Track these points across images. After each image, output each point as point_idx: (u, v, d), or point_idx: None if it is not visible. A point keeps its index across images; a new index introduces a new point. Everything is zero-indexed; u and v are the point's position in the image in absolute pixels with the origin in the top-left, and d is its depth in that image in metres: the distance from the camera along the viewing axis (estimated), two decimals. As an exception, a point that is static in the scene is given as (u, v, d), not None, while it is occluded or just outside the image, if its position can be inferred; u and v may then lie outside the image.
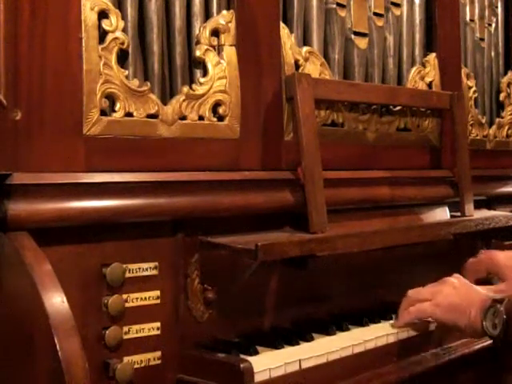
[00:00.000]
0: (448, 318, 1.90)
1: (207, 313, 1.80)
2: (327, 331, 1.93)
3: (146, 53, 1.77)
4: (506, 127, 3.00)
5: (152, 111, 1.72)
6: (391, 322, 2.02)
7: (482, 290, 1.93)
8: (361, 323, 2.02)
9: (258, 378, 1.61)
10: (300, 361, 1.70)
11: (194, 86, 1.82)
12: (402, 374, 1.91)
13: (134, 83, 1.69)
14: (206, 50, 1.84)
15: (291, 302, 2.01)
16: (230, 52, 1.88)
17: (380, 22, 2.40)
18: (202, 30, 1.84)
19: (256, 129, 1.94)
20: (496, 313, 1.79)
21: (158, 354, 1.69)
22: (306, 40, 2.16)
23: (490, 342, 2.05)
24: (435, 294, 1.94)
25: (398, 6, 2.47)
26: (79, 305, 1.53)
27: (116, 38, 1.65)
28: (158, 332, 1.69)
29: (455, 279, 1.97)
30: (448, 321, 1.91)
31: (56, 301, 1.36)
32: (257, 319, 1.93)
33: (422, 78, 2.52)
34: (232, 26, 1.89)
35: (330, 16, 2.23)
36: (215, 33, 1.86)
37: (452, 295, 1.91)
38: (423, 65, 2.55)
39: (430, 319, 1.97)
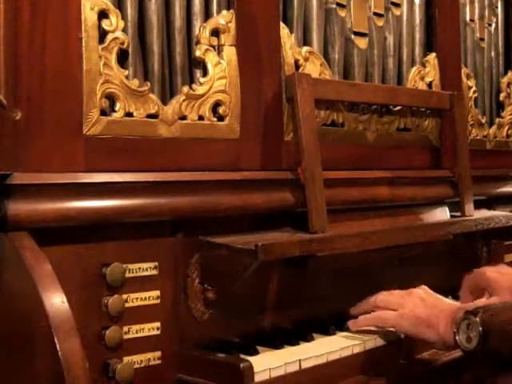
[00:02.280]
0: (415, 331, 1.83)
1: (207, 313, 1.80)
2: (327, 331, 1.93)
3: (145, 53, 1.77)
4: (506, 127, 3.00)
5: (152, 111, 1.72)
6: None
7: (463, 302, 1.87)
8: (361, 323, 2.02)
9: (257, 378, 1.61)
10: (300, 361, 1.70)
11: (193, 86, 1.82)
12: (403, 375, 1.91)
13: (134, 83, 1.69)
14: (206, 49, 1.84)
15: (291, 302, 2.01)
16: (229, 52, 1.88)
17: (380, 22, 2.40)
18: (201, 30, 1.84)
19: (256, 129, 1.94)
20: (470, 325, 1.68)
21: (158, 353, 1.69)
22: (306, 40, 2.16)
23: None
24: (401, 306, 1.87)
25: (398, 5, 2.47)
26: (79, 305, 1.53)
27: (116, 38, 1.65)
28: (158, 332, 1.69)
29: (421, 290, 1.91)
30: (415, 334, 1.84)
31: (56, 301, 1.36)
32: (257, 319, 1.93)
33: (422, 78, 2.52)
34: (232, 25, 1.89)
35: (330, 16, 2.23)
36: (215, 33, 1.86)
37: (418, 307, 1.84)
38: (423, 65, 2.55)
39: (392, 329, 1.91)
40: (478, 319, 1.67)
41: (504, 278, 2.10)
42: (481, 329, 1.66)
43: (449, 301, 1.90)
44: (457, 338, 1.71)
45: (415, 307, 1.85)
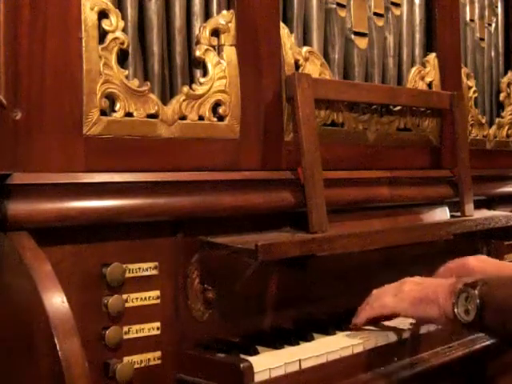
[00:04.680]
0: (416, 310, 1.81)
1: (207, 313, 1.80)
2: (327, 331, 1.93)
3: (145, 53, 1.77)
4: (506, 127, 3.01)
5: (152, 111, 1.72)
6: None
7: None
8: (361, 323, 2.02)
9: (257, 378, 1.61)
10: (300, 361, 1.70)
11: (193, 86, 1.82)
12: (403, 374, 1.91)
13: (134, 83, 1.69)
14: (206, 49, 1.84)
15: (291, 302, 2.01)
16: (229, 52, 1.88)
17: (380, 22, 2.40)
18: (201, 30, 1.84)
19: (256, 129, 1.94)
20: (469, 298, 1.67)
21: (158, 353, 1.69)
22: (306, 40, 2.16)
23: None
24: (397, 292, 1.85)
25: (398, 5, 2.47)
26: (79, 305, 1.53)
27: (116, 38, 1.65)
28: (158, 332, 1.69)
29: (415, 278, 1.89)
30: (416, 313, 1.82)
31: (56, 301, 1.36)
32: (257, 319, 1.93)
33: (422, 78, 2.52)
34: (232, 26, 1.89)
35: (330, 16, 2.23)
36: (215, 33, 1.86)
37: (415, 290, 1.82)
38: (423, 65, 2.55)
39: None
40: (476, 292, 1.67)
41: (489, 266, 2.07)
42: (478, 301, 1.65)
43: (444, 279, 1.86)
44: (455, 310, 1.70)
45: (411, 290, 1.83)
